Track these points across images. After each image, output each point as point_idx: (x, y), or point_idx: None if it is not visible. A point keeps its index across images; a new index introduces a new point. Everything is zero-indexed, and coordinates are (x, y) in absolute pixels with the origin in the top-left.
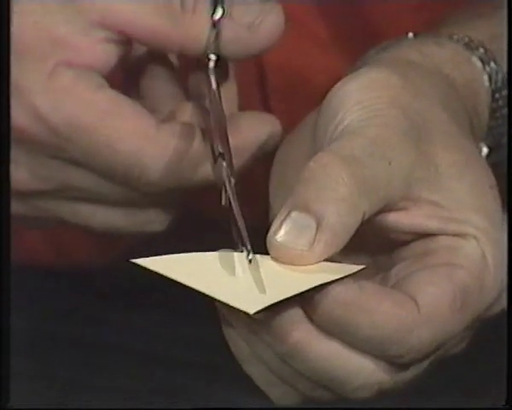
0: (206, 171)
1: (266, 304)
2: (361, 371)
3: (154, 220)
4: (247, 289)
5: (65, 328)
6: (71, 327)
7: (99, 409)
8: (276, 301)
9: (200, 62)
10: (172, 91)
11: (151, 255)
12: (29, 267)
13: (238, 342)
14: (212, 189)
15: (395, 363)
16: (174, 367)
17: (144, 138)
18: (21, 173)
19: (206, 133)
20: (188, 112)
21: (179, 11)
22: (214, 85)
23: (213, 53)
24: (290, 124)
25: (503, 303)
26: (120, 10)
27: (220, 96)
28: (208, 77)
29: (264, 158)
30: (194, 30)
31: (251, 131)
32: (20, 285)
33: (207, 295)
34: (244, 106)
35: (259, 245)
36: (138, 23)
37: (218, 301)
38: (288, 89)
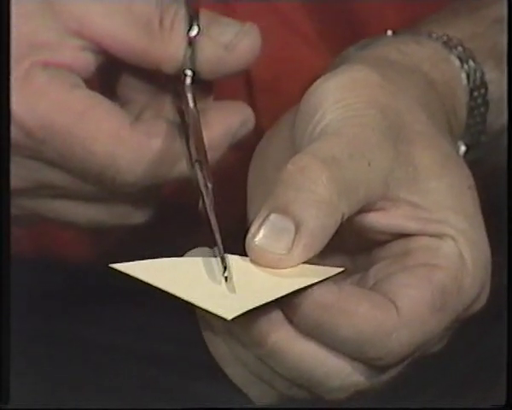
0: (183, 167)
1: (243, 310)
2: (338, 372)
3: (134, 213)
4: (224, 294)
5: (58, 327)
6: (63, 326)
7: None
8: (253, 307)
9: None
10: (149, 85)
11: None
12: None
13: (216, 341)
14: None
15: (373, 365)
16: (168, 365)
17: (118, 140)
18: None
19: (182, 131)
20: (164, 106)
21: (157, 28)
22: (191, 103)
23: (190, 69)
24: (276, 119)
25: (482, 302)
26: (99, 22)
27: (198, 111)
28: (185, 93)
29: (243, 153)
30: (171, 47)
31: (223, 121)
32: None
33: (185, 301)
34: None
35: (238, 246)
36: (116, 37)
37: (196, 306)
38: (274, 85)
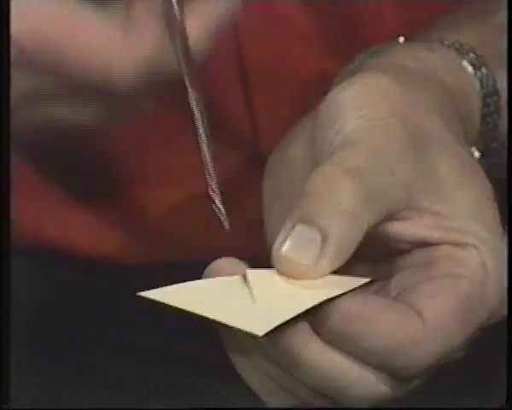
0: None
1: (274, 325)
2: (362, 382)
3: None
4: (252, 310)
5: (58, 326)
6: (63, 324)
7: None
8: (283, 321)
9: None
10: None
11: None
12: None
13: (239, 354)
14: None
15: (398, 375)
16: (170, 362)
17: (112, 45)
18: None
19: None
20: None
21: None
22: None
23: None
24: (272, 117)
25: (504, 311)
26: None
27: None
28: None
29: (245, 158)
30: None
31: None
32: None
33: (214, 321)
34: (225, 99)
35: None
36: None
37: (225, 325)
38: (269, 82)
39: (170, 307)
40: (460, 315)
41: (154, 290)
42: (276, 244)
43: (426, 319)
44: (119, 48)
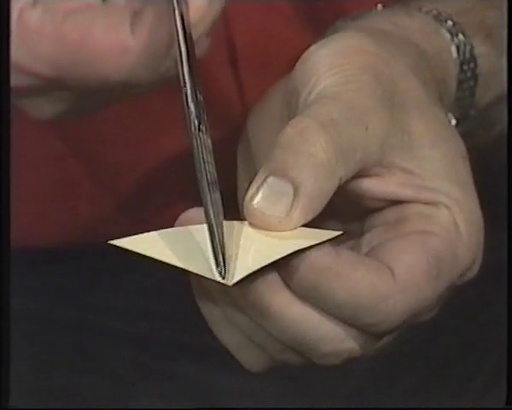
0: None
1: (244, 274)
2: (332, 337)
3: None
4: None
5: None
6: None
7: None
8: (253, 270)
9: None
10: None
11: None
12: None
13: (209, 304)
14: None
15: (367, 331)
16: (159, 347)
17: (124, 53)
18: None
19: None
20: None
21: None
22: None
23: None
24: (261, 96)
25: (475, 271)
26: None
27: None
28: None
29: (227, 130)
30: None
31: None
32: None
33: (185, 270)
34: (215, 81)
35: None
36: None
37: (196, 274)
38: (258, 65)
39: (140, 255)
40: (430, 271)
41: (126, 239)
42: (248, 196)
43: (396, 275)
44: (132, 55)
